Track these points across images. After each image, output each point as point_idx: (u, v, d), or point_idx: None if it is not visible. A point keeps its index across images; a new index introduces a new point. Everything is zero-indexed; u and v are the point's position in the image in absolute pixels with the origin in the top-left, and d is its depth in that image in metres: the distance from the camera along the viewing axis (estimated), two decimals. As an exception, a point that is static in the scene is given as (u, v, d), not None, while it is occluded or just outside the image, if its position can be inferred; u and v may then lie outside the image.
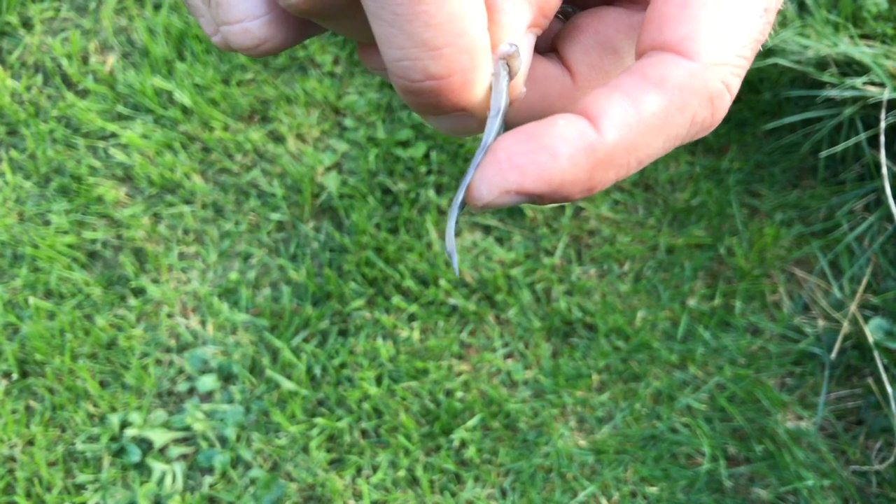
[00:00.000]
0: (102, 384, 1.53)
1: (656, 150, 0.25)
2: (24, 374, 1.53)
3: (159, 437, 1.47)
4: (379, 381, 1.51)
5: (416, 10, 0.23)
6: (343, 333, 1.55)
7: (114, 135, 1.72)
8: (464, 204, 0.27)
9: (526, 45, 0.28)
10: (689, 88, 0.25)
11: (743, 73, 0.26)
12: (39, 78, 1.79)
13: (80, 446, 1.47)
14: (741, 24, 0.25)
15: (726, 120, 1.68)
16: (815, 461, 1.44)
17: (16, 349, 1.53)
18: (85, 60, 1.81)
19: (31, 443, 1.48)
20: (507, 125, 0.30)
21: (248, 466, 1.46)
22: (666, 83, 0.25)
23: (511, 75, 0.27)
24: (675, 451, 1.47)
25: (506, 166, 0.24)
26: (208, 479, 1.45)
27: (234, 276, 1.58)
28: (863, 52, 1.51)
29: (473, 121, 0.28)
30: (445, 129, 0.30)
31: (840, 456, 1.45)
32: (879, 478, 1.42)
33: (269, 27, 0.27)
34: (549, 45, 0.32)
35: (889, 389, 1.40)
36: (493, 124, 0.27)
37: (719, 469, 1.44)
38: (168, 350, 1.55)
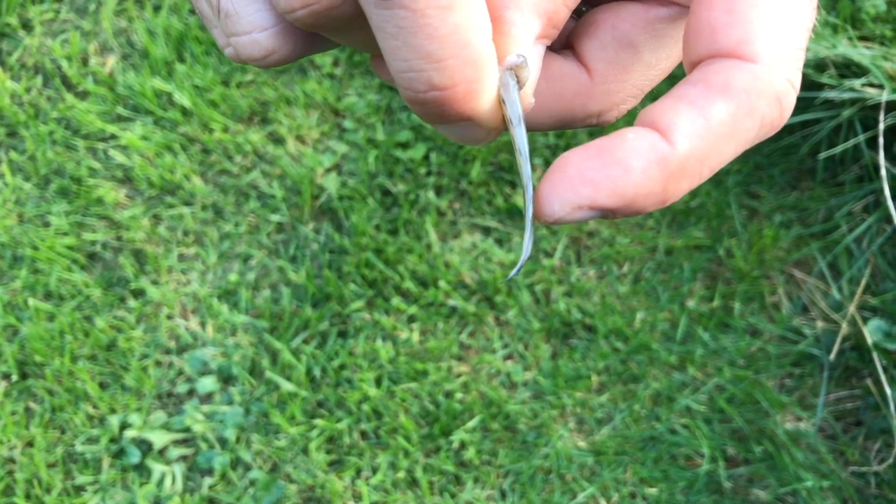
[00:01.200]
0: (102, 386, 1.53)
1: (728, 156, 0.26)
2: (23, 376, 1.53)
3: (159, 439, 1.47)
4: (378, 382, 1.51)
5: (419, 22, 0.23)
6: (343, 335, 1.55)
7: (113, 136, 1.72)
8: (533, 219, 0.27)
9: (535, 55, 0.28)
10: (756, 91, 0.25)
11: (802, 65, 0.26)
12: (39, 79, 1.79)
13: (79, 448, 1.47)
14: (793, 17, 0.25)
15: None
16: (814, 462, 1.44)
17: (15, 351, 1.53)
18: (85, 62, 1.81)
19: (30, 444, 1.48)
20: (525, 123, 0.31)
21: (247, 468, 1.46)
22: (731, 89, 0.25)
23: (520, 86, 0.27)
24: (674, 453, 1.47)
25: (577, 182, 0.25)
26: (208, 481, 1.45)
27: (233, 277, 1.58)
28: (861, 53, 1.51)
29: (481, 130, 0.28)
30: (454, 137, 0.30)
31: (839, 457, 1.45)
32: (878, 479, 1.42)
33: (278, 38, 0.28)
34: (564, 43, 0.32)
35: (888, 391, 1.40)
36: (520, 132, 0.28)
37: (718, 470, 1.44)
38: (168, 351, 1.55)
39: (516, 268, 0.29)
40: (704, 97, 0.25)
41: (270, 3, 0.27)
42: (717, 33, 0.25)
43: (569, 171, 0.25)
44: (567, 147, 1.66)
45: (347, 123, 1.72)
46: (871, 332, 1.46)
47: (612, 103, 0.31)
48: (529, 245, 0.28)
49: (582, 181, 0.25)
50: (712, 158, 0.25)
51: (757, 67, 0.25)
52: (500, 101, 0.27)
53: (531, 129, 0.31)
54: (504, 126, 0.28)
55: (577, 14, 0.33)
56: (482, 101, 0.26)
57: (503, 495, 1.44)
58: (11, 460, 1.46)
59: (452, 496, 1.43)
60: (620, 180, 0.24)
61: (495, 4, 0.26)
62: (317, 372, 1.51)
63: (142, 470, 1.46)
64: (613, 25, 0.30)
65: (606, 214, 0.25)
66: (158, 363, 1.54)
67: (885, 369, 1.44)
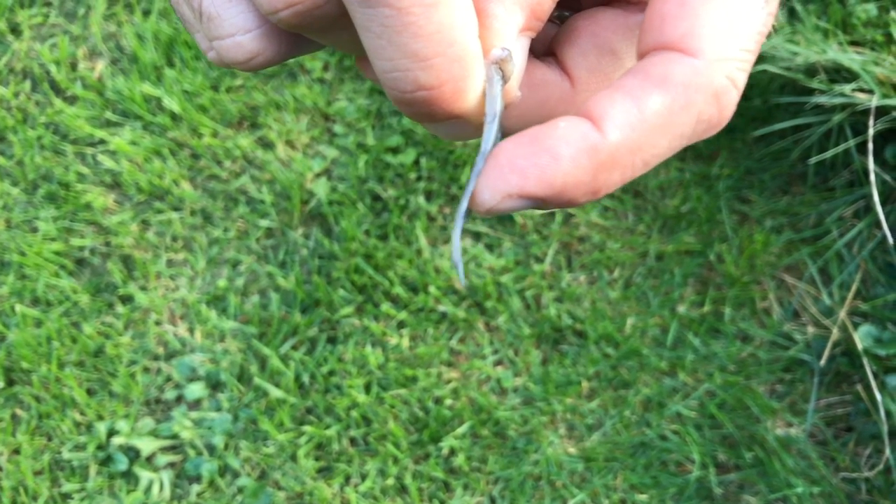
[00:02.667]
0: (89, 392, 1.52)
1: (662, 150, 0.25)
2: (10, 383, 1.52)
3: (147, 446, 1.46)
4: (368, 388, 1.50)
5: (404, 21, 0.23)
6: (332, 341, 1.54)
7: (102, 141, 1.72)
8: (469, 212, 0.27)
9: (520, 48, 0.28)
10: (694, 86, 0.24)
11: (749, 68, 0.26)
12: (28, 84, 1.78)
13: (66, 455, 1.46)
14: (743, 18, 0.25)
15: (716, 126, 1.68)
16: (804, 468, 1.43)
17: (2, 357, 1.52)
18: (73, 67, 1.80)
19: (16, 451, 1.47)
20: (508, 132, 0.30)
21: (235, 475, 1.45)
22: (669, 82, 0.24)
23: (505, 79, 0.27)
24: (664, 459, 1.46)
25: (507, 170, 0.24)
26: (196, 488, 1.44)
27: (222, 283, 1.58)
28: (851, 58, 1.51)
29: (470, 127, 0.28)
30: (443, 135, 0.29)
31: (830, 463, 1.45)
32: (869, 485, 1.42)
33: (261, 41, 0.27)
34: (546, 50, 0.32)
35: (878, 396, 1.40)
36: (491, 130, 0.27)
37: (709, 476, 1.43)
38: (156, 358, 1.54)
39: (458, 266, 0.28)
40: (641, 88, 0.24)
41: (253, 5, 0.27)
42: (665, 25, 0.25)
43: (500, 159, 0.24)
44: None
45: (337, 128, 1.71)
46: (862, 337, 1.46)
47: None
48: (457, 241, 0.28)
49: (511, 169, 0.24)
50: (645, 150, 0.25)
51: (697, 62, 0.24)
52: (485, 96, 0.27)
53: (511, 133, 0.31)
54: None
55: (560, 19, 0.33)
56: (470, 99, 0.26)
57: (493, 502, 1.43)
58: (-3, 468, 1.45)
59: (442, 503, 1.42)
60: (549, 169, 0.24)
61: None
62: (305, 378, 1.51)
63: (129, 477, 1.45)
64: (594, 32, 0.30)
65: (539, 204, 0.25)
66: (146, 369, 1.53)
67: (875, 375, 1.43)
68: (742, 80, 0.25)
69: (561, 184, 0.24)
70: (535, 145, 0.24)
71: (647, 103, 0.24)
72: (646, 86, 0.24)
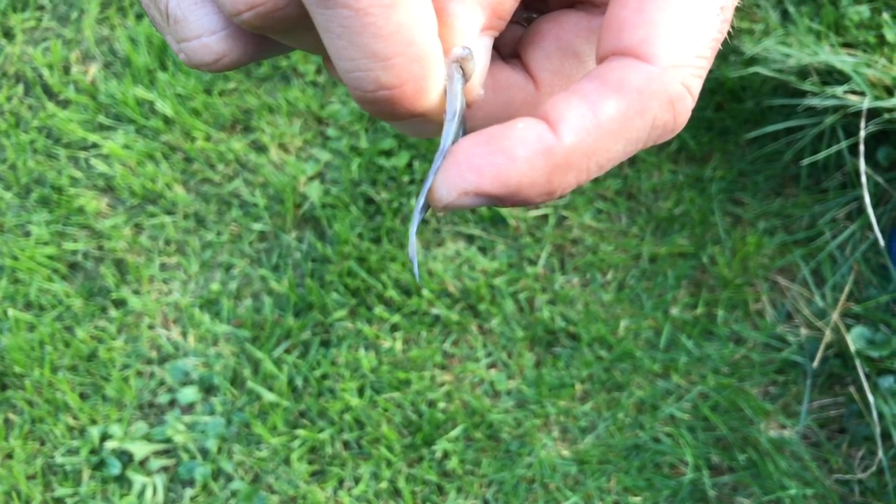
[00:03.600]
0: (82, 396, 1.52)
1: (616, 154, 0.25)
2: (3, 387, 1.52)
3: (140, 450, 1.46)
4: (361, 392, 1.50)
5: (363, 21, 0.23)
6: (325, 344, 1.54)
7: (95, 145, 1.71)
8: (426, 207, 0.27)
9: (482, 47, 0.28)
10: (649, 92, 0.25)
11: (704, 74, 0.26)
12: (20, 88, 1.78)
13: (59, 459, 1.46)
14: (698, 26, 0.25)
15: (709, 128, 1.68)
16: (798, 470, 1.43)
17: (-5, 362, 1.52)
18: (66, 70, 1.80)
19: (9, 456, 1.47)
20: (471, 132, 0.30)
21: (229, 479, 1.45)
22: (624, 87, 0.25)
23: (466, 78, 0.27)
24: (658, 461, 1.46)
25: (464, 167, 0.25)
26: (189, 492, 1.44)
27: (215, 286, 1.57)
28: (843, 60, 1.52)
29: (433, 124, 0.28)
30: (409, 133, 0.30)
31: (823, 464, 1.45)
32: (862, 486, 1.42)
33: (227, 42, 0.27)
34: (511, 52, 0.32)
35: (871, 398, 1.40)
36: (450, 128, 0.27)
37: (702, 478, 1.44)
38: (149, 362, 1.54)
39: (414, 267, 0.29)
40: (597, 93, 0.25)
41: (218, 7, 0.27)
42: (622, 31, 0.25)
43: (458, 157, 0.25)
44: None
45: (330, 131, 1.71)
46: (854, 339, 1.46)
47: None
48: (413, 238, 0.28)
49: (469, 167, 0.25)
50: (599, 154, 0.25)
51: (652, 69, 0.25)
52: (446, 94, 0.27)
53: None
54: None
55: (528, 21, 0.33)
56: (430, 97, 0.26)
57: (486, 505, 1.43)
58: (-10, 473, 1.45)
59: (435, 506, 1.43)
60: (504, 168, 0.24)
61: None
62: (299, 382, 1.50)
63: (122, 481, 1.45)
64: (557, 35, 0.31)
65: (494, 202, 0.25)
66: (139, 373, 1.53)
67: (867, 377, 1.44)
68: (697, 87, 0.26)
69: (516, 183, 0.24)
70: (492, 145, 0.25)
71: (602, 108, 0.24)
72: (602, 91, 0.25)
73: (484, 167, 0.24)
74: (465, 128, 0.28)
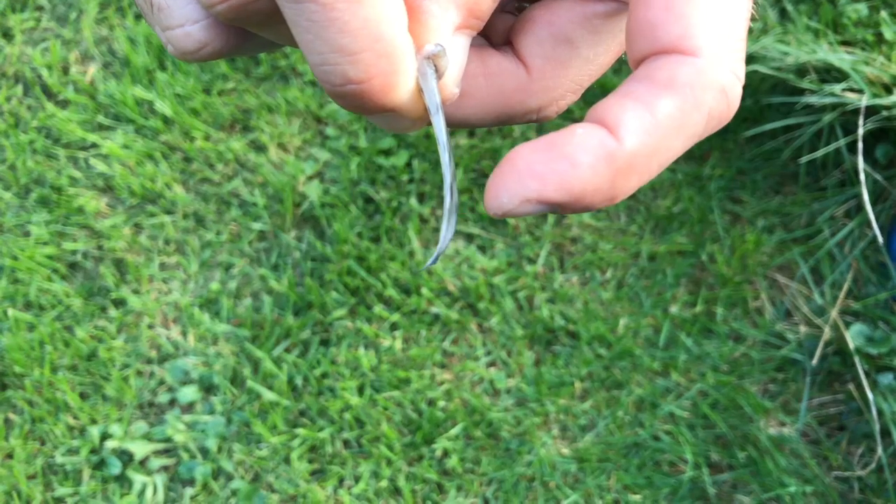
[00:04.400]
0: (82, 396, 1.52)
1: (677, 151, 0.25)
2: (3, 387, 1.52)
3: (140, 449, 1.46)
4: (361, 390, 1.50)
5: (329, 16, 0.24)
6: (325, 343, 1.54)
7: (94, 145, 1.72)
8: (455, 206, 0.27)
9: (458, 46, 0.28)
10: (701, 85, 0.25)
11: (744, 56, 0.26)
12: (19, 88, 1.78)
13: (59, 459, 1.46)
14: (730, 9, 0.25)
15: (707, 127, 1.69)
16: (797, 467, 1.44)
17: (-5, 362, 1.52)
18: (65, 71, 1.80)
19: (10, 456, 1.47)
20: (467, 121, 0.31)
21: (229, 478, 1.45)
22: (676, 84, 0.25)
23: (439, 75, 0.27)
24: (657, 459, 1.46)
25: (526, 175, 0.24)
26: (189, 491, 1.44)
27: (215, 286, 1.58)
28: (842, 58, 1.52)
29: (405, 119, 0.28)
30: (384, 126, 0.30)
31: (822, 462, 1.45)
32: (862, 483, 1.42)
33: (209, 31, 0.28)
34: (503, 40, 0.32)
35: (870, 395, 1.40)
36: (438, 121, 0.28)
37: (702, 476, 1.44)
38: (149, 361, 1.54)
39: (433, 257, 0.29)
40: (650, 93, 0.25)
41: None
42: (657, 31, 0.25)
43: (518, 164, 0.25)
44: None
45: (330, 131, 1.71)
46: (853, 336, 1.46)
47: (550, 99, 0.31)
48: (450, 234, 0.28)
49: (530, 175, 0.24)
50: (661, 154, 0.25)
51: (700, 61, 0.25)
52: (421, 90, 0.28)
53: (473, 125, 0.31)
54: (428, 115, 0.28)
55: (519, 10, 0.33)
56: (400, 93, 0.26)
57: (486, 503, 1.43)
58: (-10, 472, 1.45)
59: (435, 505, 1.43)
60: (568, 175, 0.24)
61: None
62: (298, 381, 1.51)
63: (123, 481, 1.45)
64: (550, 21, 0.31)
65: (555, 209, 0.25)
66: (139, 373, 1.53)
67: (867, 374, 1.44)
68: (743, 71, 0.26)
69: (580, 190, 0.24)
70: (552, 151, 0.24)
71: (658, 108, 0.24)
72: (655, 90, 0.25)
73: (546, 174, 0.24)
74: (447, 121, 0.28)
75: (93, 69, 1.79)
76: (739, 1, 0.26)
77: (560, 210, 0.25)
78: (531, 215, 0.26)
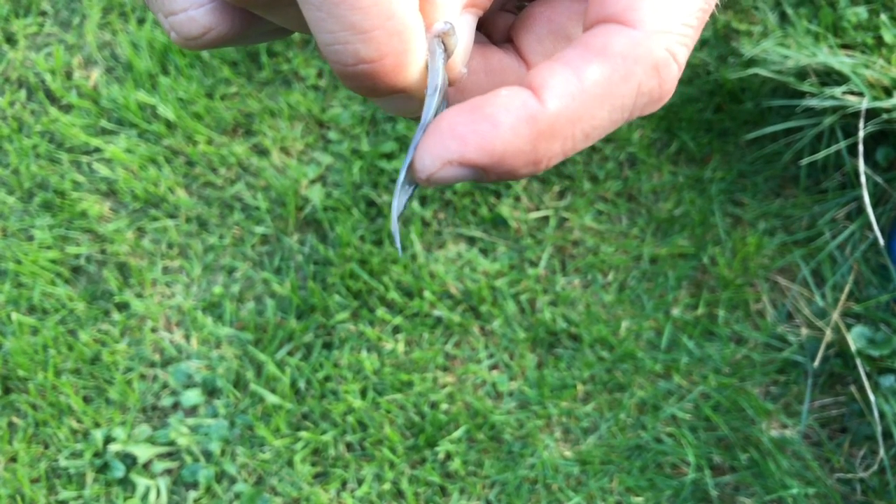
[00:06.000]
0: (86, 399, 1.52)
1: (602, 122, 0.25)
2: (6, 391, 1.52)
3: (143, 453, 1.46)
4: (363, 393, 1.51)
5: None
6: (327, 346, 1.55)
7: (97, 149, 1.72)
8: (412, 184, 0.27)
9: (465, 25, 0.28)
10: (633, 56, 0.24)
11: (691, 44, 0.26)
12: (23, 93, 1.79)
13: (63, 462, 1.46)
14: None
15: (708, 129, 1.69)
16: (799, 469, 1.44)
17: (-2, 365, 1.52)
18: (69, 75, 1.81)
19: (13, 459, 1.47)
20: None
21: (232, 481, 1.45)
22: (608, 52, 0.24)
23: (448, 54, 0.27)
24: (660, 461, 1.47)
25: (447, 136, 0.24)
26: (193, 494, 1.44)
27: (218, 289, 1.58)
28: (842, 61, 1.52)
29: (414, 101, 0.28)
30: (390, 110, 0.30)
31: (825, 464, 1.45)
32: (864, 485, 1.42)
33: (213, 15, 0.27)
34: (504, 38, 0.33)
35: (872, 397, 1.41)
36: (431, 102, 0.27)
37: (705, 478, 1.44)
38: (152, 365, 1.54)
39: (395, 235, 0.29)
40: (581, 58, 0.24)
41: None
42: (607, 1, 0.25)
43: (441, 126, 0.24)
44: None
45: (332, 135, 1.72)
46: (855, 338, 1.47)
47: None
48: (397, 211, 0.28)
49: (452, 136, 0.24)
50: (585, 121, 0.25)
51: (636, 33, 0.25)
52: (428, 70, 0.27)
53: None
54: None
55: (519, 9, 0.33)
56: (411, 72, 0.26)
57: (489, 506, 1.44)
58: (-6, 476, 1.46)
59: (438, 507, 1.43)
60: (489, 135, 0.24)
61: None
62: (301, 384, 1.51)
63: (126, 484, 1.45)
64: (549, 19, 0.31)
65: (479, 173, 0.25)
66: (143, 376, 1.54)
67: (868, 376, 1.44)
68: (683, 55, 0.25)
69: (500, 152, 0.24)
70: (475, 112, 0.24)
71: (586, 73, 0.24)
72: (586, 56, 0.25)
73: (468, 135, 0.24)
74: (448, 105, 0.28)
75: (96, 74, 1.80)
76: None
77: (484, 175, 0.25)
78: (455, 181, 0.25)
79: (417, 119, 0.28)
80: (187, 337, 1.56)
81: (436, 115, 0.27)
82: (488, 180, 0.25)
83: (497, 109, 0.24)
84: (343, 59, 0.25)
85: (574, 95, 0.24)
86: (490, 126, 0.24)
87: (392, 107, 0.29)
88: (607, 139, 1.70)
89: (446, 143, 0.24)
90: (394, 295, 1.56)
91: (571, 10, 0.31)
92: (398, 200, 0.27)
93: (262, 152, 1.71)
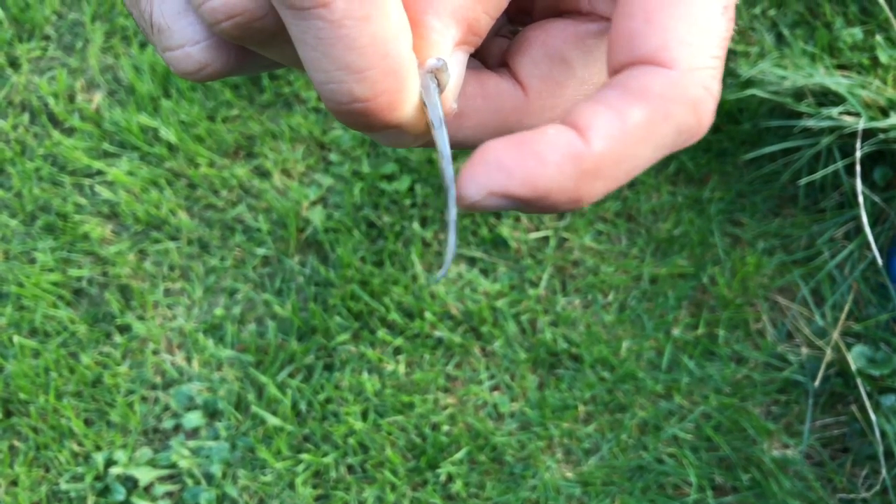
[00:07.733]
0: (87, 422, 1.52)
1: (644, 161, 0.26)
2: (8, 414, 1.52)
3: (144, 475, 1.46)
4: (364, 415, 1.51)
5: (337, 33, 0.24)
6: (328, 368, 1.55)
7: (100, 172, 1.73)
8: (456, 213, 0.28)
9: (456, 62, 0.28)
10: (672, 97, 0.25)
11: (720, 75, 0.26)
12: (26, 117, 1.80)
13: (64, 486, 1.46)
14: (708, 27, 0.26)
15: (706, 150, 1.70)
16: (801, 489, 1.44)
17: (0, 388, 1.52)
18: (71, 99, 1.82)
19: (14, 483, 1.47)
20: (465, 142, 0.31)
21: (234, 503, 1.45)
22: (648, 94, 0.25)
23: (441, 89, 0.28)
24: (661, 482, 1.46)
25: (493, 168, 0.24)
26: (194, 518, 1.44)
27: (219, 311, 1.58)
28: (838, 82, 1.54)
29: (408, 136, 0.29)
30: (384, 143, 0.30)
31: (827, 484, 1.45)
32: (866, 506, 1.42)
33: (211, 51, 0.28)
34: (499, 62, 0.33)
35: (873, 417, 1.41)
36: (443, 134, 0.28)
37: (707, 499, 1.44)
38: (153, 387, 1.55)
39: (442, 270, 0.29)
40: (622, 101, 0.25)
41: (200, 17, 0.27)
42: (635, 41, 0.26)
43: (487, 157, 0.25)
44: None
45: (333, 156, 1.73)
46: (855, 358, 1.47)
47: (547, 119, 0.31)
48: (453, 247, 0.28)
49: (498, 168, 0.24)
50: (627, 161, 0.25)
51: (673, 73, 0.25)
52: (423, 105, 0.28)
53: (471, 146, 0.31)
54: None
55: (513, 34, 0.34)
56: (406, 109, 0.27)
57: (491, 528, 1.43)
58: (-5, 500, 1.45)
59: (440, 530, 1.42)
60: (535, 171, 0.24)
61: (414, 9, 0.27)
62: (303, 406, 1.51)
63: (127, 507, 1.45)
64: (545, 42, 0.31)
65: (521, 205, 0.25)
66: (144, 399, 1.54)
67: (869, 395, 1.44)
68: (716, 88, 0.26)
69: (545, 188, 0.25)
70: (523, 148, 0.25)
71: (628, 115, 0.25)
72: (626, 98, 0.25)
73: (514, 169, 0.24)
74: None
75: (98, 97, 1.82)
76: (718, 19, 0.26)
77: (525, 207, 0.25)
78: (497, 210, 0.26)
79: (411, 149, 0.29)
80: (189, 359, 1.56)
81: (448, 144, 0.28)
82: (528, 212, 0.26)
83: (544, 147, 0.25)
84: (337, 98, 0.25)
85: (618, 137, 0.25)
86: (536, 162, 0.24)
87: (386, 140, 0.30)
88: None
89: (492, 174, 0.25)
90: (395, 316, 1.56)
91: (566, 32, 0.31)
92: (453, 236, 0.28)
93: (264, 174, 1.72)
